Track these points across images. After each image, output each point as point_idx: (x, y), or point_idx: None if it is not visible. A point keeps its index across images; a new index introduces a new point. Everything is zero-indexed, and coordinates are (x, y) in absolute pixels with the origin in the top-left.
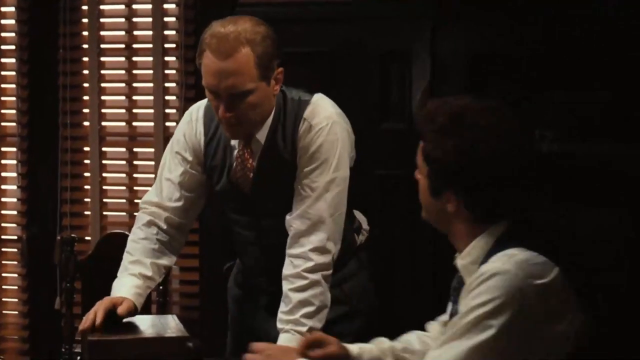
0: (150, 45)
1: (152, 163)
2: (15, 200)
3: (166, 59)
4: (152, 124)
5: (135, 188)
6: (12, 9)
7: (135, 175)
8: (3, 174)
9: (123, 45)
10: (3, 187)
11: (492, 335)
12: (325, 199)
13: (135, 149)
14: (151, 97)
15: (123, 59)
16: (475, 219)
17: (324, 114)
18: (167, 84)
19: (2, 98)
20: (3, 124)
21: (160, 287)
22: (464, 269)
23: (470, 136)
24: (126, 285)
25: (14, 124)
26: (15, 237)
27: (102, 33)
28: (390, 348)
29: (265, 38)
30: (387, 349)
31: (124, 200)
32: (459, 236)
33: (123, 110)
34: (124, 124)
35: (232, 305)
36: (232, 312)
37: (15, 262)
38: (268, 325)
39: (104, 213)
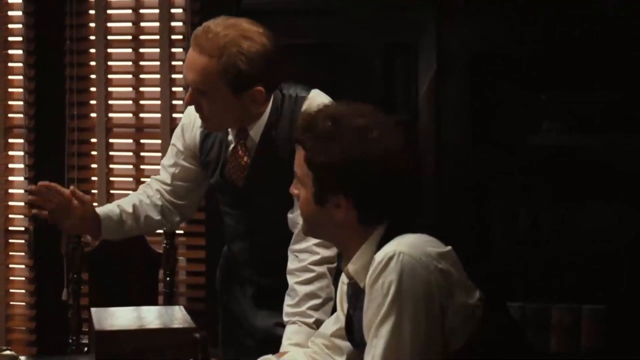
0: (157, 37)
1: (159, 154)
2: (22, 191)
3: (173, 50)
4: (159, 115)
5: (142, 179)
6: (19, 0)
7: (142, 166)
8: (10, 166)
9: (130, 37)
10: (10, 178)
11: (409, 313)
12: None
13: (142, 141)
14: (158, 89)
15: (130, 50)
16: (362, 220)
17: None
18: (173, 76)
19: (9, 90)
20: (10, 115)
21: (167, 279)
22: (357, 274)
23: (352, 137)
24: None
25: (20, 115)
26: (23, 229)
27: (109, 24)
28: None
29: (245, 55)
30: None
31: (130, 192)
32: (347, 242)
33: (130, 102)
34: (130, 115)
35: (221, 294)
36: (221, 301)
37: (23, 254)
38: (253, 315)
39: None
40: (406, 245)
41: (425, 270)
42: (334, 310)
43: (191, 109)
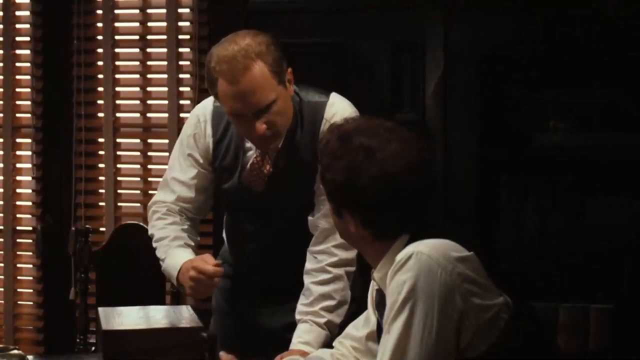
0: (165, 37)
1: (166, 154)
2: (29, 191)
3: (180, 50)
4: (166, 115)
5: (149, 179)
6: (27, 0)
7: (149, 166)
8: (18, 165)
9: (137, 37)
10: (18, 178)
11: (421, 311)
12: None
13: (149, 140)
14: (165, 89)
15: (137, 50)
16: (374, 236)
17: (344, 114)
18: (181, 75)
19: (17, 89)
20: (18, 115)
21: None
22: (381, 282)
23: (357, 157)
24: (180, 255)
25: (28, 115)
26: (30, 228)
27: (116, 24)
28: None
29: (270, 45)
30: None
31: (138, 192)
32: (369, 253)
33: (137, 102)
34: (138, 115)
35: (217, 293)
36: (216, 300)
37: (30, 253)
38: (256, 315)
39: (118, 204)
40: (426, 246)
41: (442, 272)
42: (356, 313)
43: (195, 117)
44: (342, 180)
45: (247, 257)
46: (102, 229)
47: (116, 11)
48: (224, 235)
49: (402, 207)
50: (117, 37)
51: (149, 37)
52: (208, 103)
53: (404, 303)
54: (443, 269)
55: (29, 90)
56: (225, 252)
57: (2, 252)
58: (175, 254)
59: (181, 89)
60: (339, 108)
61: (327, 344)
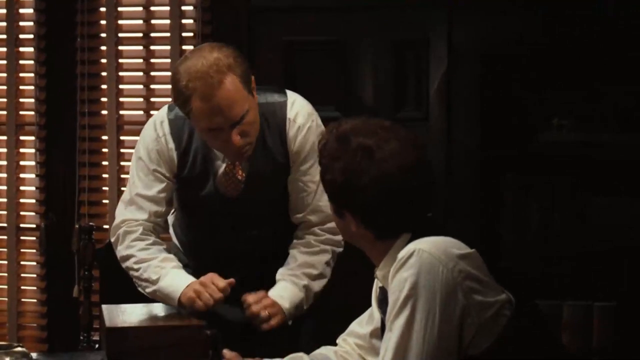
0: (168, 34)
1: None
2: (33, 188)
3: (184, 47)
4: None
5: None
6: None
7: None
8: (21, 163)
9: (141, 34)
10: (21, 175)
11: (423, 308)
12: None
13: None
14: (169, 86)
15: (141, 47)
16: (376, 236)
17: (305, 111)
18: None
19: (21, 87)
20: (21, 112)
21: None
22: (384, 279)
23: (355, 157)
24: (182, 277)
25: (32, 113)
26: (34, 226)
27: (120, 22)
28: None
29: (237, 57)
30: (301, 355)
31: None
32: (373, 253)
33: (141, 99)
34: (141, 112)
35: None
36: None
37: (34, 251)
38: (225, 311)
39: None
40: (427, 243)
41: (444, 269)
42: (358, 309)
43: (153, 133)
44: (342, 181)
45: (214, 258)
46: (105, 226)
47: (120, 9)
48: (173, 238)
49: (402, 206)
50: (120, 35)
51: (152, 34)
52: (163, 117)
53: (405, 300)
54: (444, 266)
55: (32, 88)
56: (178, 253)
57: (5, 250)
58: (175, 276)
59: None
60: (299, 107)
61: (300, 307)
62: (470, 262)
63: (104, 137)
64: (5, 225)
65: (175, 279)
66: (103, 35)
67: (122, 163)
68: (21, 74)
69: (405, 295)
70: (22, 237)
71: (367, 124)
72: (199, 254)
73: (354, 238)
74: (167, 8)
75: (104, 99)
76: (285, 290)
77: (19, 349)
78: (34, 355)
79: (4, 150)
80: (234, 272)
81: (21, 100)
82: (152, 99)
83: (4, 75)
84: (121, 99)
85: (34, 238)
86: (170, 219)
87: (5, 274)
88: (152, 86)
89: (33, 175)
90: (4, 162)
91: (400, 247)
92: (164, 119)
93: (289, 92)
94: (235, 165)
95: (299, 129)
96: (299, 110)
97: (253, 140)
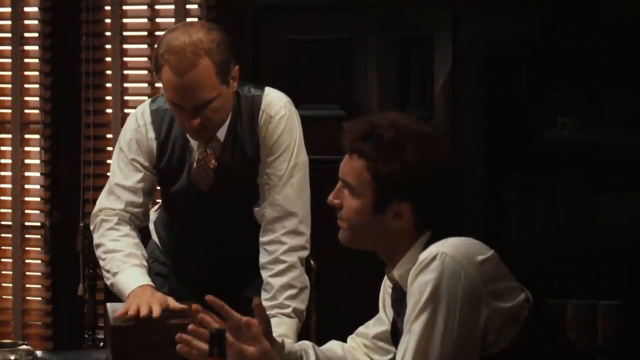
0: None
1: None
2: (38, 187)
3: None
4: None
5: None
6: None
7: None
8: (26, 161)
9: (145, 33)
10: (26, 174)
11: (443, 312)
12: (291, 184)
13: None
14: None
15: (145, 46)
16: (417, 226)
17: (279, 103)
18: None
19: (25, 85)
20: (26, 111)
21: None
22: (401, 279)
23: (419, 143)
24: (137, 276)
25: (36, 111)
26: (39, 224)
27: (125, 20)
28: (313, 345)
29: (220, 44)
30: (309, 344)
31: None
32: (396, 250)
33: (145, 98)
34: None
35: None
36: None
37: (39, 249)
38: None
39: None
40: (450, 246)
41: (466, 273)
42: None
43: (134, 123)
44: (406, 169)
45: (193, 259)
46: None
47: (124, 7)
48: (154, 235)
49: (455, 193)
50: (125, 33)
51: (157, 33)
52: (145, 107)
53: (426, 304)
54: (466, 272)
55: (37, 86)
56: (155, 251)
57: (10, 248)
58: (131, 273)
59: None
60: (273, 97)
61: (300, 330)
62: (490, 265)
63: (109, 136)
64: (10, 223)
65: (131, 276)
66: (108, 33)
67: None
68: (26, 73)
69: (426, 298)
70: (27, 236)
71: (402, 115)
72: (175, 250)
73: (382, 235)
74: (172, 7)
75: (108, 98)
76: (281, 327)
77: (24, 347)
78: (38, 353)
79: (9, 148)
80: (206, 271)
81: (26, 98)
82: None
83: (9, 73)
84: (126, 98)
85: (38, 236)
86: (153, 215)
87: (10, 272)
88: (157, 85)
89: (38, 174)
90: (9, 161)
91: (420, 247)
92: (145, 109)
93: (268, 87)
94: (207, 153)
95: (270, 118)
96: (272, 102)
97: (215, 127)
